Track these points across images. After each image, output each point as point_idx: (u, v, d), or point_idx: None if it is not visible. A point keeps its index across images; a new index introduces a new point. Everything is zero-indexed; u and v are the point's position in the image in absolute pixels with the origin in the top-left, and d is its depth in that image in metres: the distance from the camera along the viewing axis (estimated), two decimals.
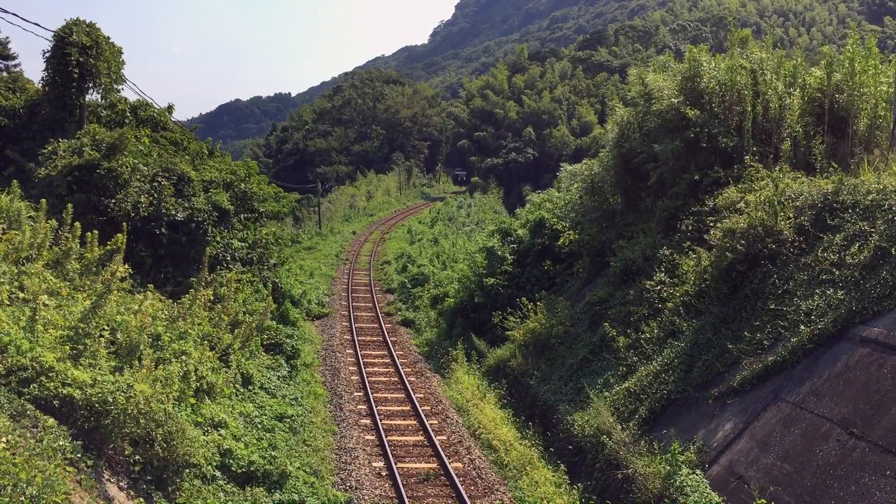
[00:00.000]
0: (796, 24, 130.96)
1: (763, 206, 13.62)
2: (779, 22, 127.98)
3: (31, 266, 11.03)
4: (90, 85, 20.94)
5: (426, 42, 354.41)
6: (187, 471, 10.03)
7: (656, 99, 18.52)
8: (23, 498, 6.22)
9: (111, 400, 8.50)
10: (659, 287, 15.52)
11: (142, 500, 8.62)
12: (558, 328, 18.66)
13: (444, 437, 16.42)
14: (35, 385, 8.10)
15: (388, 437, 16.13)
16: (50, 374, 8.30)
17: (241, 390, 15.34)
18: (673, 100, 17.87)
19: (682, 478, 10.67)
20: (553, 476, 13.49)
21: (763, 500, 9.45)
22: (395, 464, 14.57)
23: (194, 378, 11.97)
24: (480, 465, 14.80)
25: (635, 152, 19.51)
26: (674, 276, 15.51)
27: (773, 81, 17.46)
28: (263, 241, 23.00)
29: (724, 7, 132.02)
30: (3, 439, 6.74)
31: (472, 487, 13.76)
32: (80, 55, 20.32)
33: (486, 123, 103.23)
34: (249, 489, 11.26)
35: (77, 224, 13.31)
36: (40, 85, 21.56)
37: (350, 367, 22.18)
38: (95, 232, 13.68)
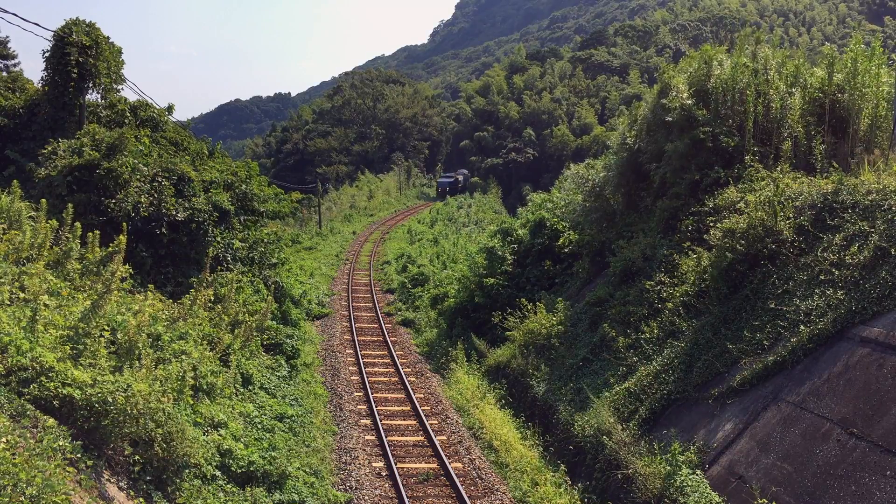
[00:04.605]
0: (796, 23, 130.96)
1: (763, 206, 13.62)
2: (779, 22, 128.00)
3: (32, 266, 11.02)
4: (90, 85, 20.93)
5: (426, 42, 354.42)
6: (187, 471, 10.03)
7: (669, 99, 18.44)
8: (23, 498, 6.22)
9: (111, 400, 8.50)
10: (659, 287, 15.52)
11: (142, 500, 8.62)
12: (558, 328, 18.66)
13: (444, 438, 16.42)
14: (35, 385, 8.10)
15: (388, 438, 16.13)
16: (50, 374, 8.29)
17: (241, 390, 15.34)
18: (686, 101, 17.80)
19: (682, 478, 10.67)
20: (553, 476, 13.50)
21: (763, 501, 9.45)
22: (395, 464, 14.57)
23: (194, 378, 11.97)
24: (480, 465, 14.80)
25: (642, 152, 19.48)
26: (674, 276, 15.51)
27: (776, 81, 17.46)
28: (264, 240, 22.99)
29: (725, 7, 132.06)
30: (3, 439, 6.73)
31: (472, 488, 13.76)
32: (80, 55, 20.31)
33: (487, 123, 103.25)
34: (249, 489, 11.26)
35: (77, 224, 13.30)
36: (40, 85, 21.55)
37: (350, 367, 22.18)
38: (96, 232, 13.67)
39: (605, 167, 22.17)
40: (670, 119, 17.76)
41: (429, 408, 18.56)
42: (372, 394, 19.19)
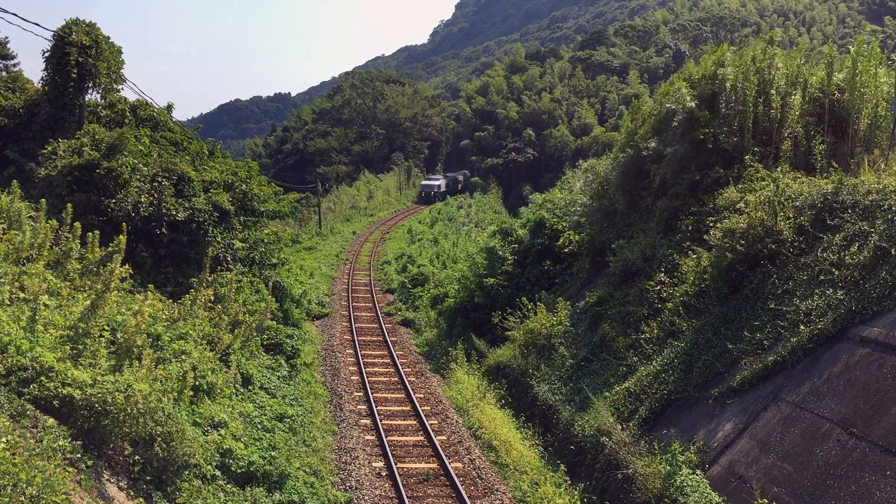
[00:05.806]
0: (796, 23, 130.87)
1: (763, 206, 13.62)
2: (779, 22, 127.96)
3: (32, 266, 11.02)
4: (90, 85, 20.93)
5: (426, 42, 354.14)
6: (187, 471, 10.03)
7: (674, 101, 18.36)
8: (23, 498, 6.22)
9: (111, 400, 8.50)
10: (659, 287, 15.52)
11: (142, 500, 8.62)
12: (558, 328, 18.66)
13: (444, 438, 16.42)
14: (35, 385, 8.10)
15: (388, 438, 16.13)
16: (50, 374, 8.29)
17: (241, 390, 15.34)
18: (689, 104, 17.75)
19: (682, 478, 10.67)
20: (553, 476, 13.50)
21: (763, 501, 9.45)
22: (395, 464, 14.57)
23: (194, 378, 11.97)
24: (480, 465, 14.80)
25: (644, 151, 19.44)
26: (674, 276, 15.50)
27: (777, 81, 17.44)
28: (264, 240, 22.99)
29: (725, 7, 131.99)
30: (3, 439, 6.73)
31: (472, 488, 13.76)
32: (80, 55, 20.31)
33: (487, 123, 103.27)
34: (249, 489, 11.26)
35: (77, 224, 13.30)
36: (40, 85, 21.55)
37: (350, 367, 22.17)
38: (96, 232, 13.68)
39: (613, 163, 22.02)
40: (676, 123, 17.73)
41: (429, 408, 18.56)
42: (372, 394, 19.19)
